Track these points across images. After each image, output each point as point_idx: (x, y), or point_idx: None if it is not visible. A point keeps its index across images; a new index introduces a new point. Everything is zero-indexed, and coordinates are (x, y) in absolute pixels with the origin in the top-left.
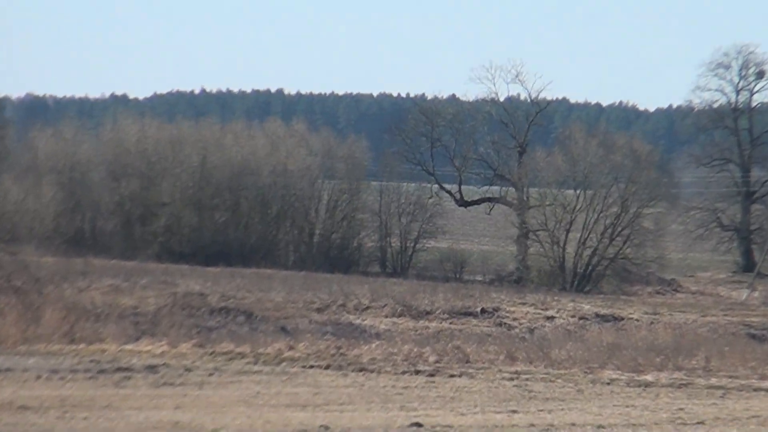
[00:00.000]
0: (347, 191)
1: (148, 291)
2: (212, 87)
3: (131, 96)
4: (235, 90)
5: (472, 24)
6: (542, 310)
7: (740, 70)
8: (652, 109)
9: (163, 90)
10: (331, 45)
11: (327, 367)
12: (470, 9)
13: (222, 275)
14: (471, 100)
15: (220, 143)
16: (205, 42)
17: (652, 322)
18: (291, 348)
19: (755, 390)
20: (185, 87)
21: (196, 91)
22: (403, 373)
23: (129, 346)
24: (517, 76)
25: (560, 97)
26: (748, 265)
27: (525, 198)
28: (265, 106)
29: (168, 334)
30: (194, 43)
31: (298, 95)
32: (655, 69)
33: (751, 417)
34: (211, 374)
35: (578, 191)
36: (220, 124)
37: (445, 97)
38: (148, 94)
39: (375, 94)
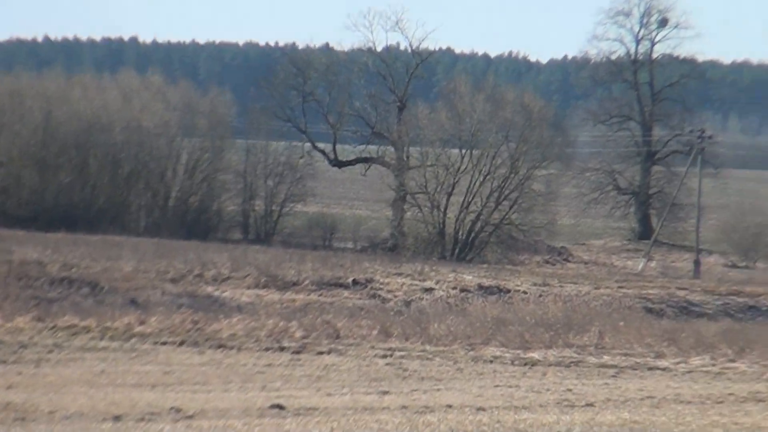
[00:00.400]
0: (209, 150)
1: None
2: (57, 35)
3: None
4: (83, 38)
5: None
6: (420, 281)
7: (642, 17)
8: (544, 61)
9: (1, 38)
10: None
11: (181, 344)
12: None
13: (64, 242)
14: (346, 50)
15: (66, 97)
16: None
17: (540, 295)
18: (141, 322)
19: (650, 369)
20: (26, 34)
21: (39, 39)
22: (266, 350)
23: None
24: (397, 23)
25: (444, 47)
26: (645, 233)
27: (404, 158)
28: (117, 55)
29: (1, 307)
30: None
31: (154, 44)
32: (549, 17)
33: (644, 398)
34: (50, 351)
35: (463, 151)
36: (66, 75)
37: (318, 46)
38: None
39: (240, 44)
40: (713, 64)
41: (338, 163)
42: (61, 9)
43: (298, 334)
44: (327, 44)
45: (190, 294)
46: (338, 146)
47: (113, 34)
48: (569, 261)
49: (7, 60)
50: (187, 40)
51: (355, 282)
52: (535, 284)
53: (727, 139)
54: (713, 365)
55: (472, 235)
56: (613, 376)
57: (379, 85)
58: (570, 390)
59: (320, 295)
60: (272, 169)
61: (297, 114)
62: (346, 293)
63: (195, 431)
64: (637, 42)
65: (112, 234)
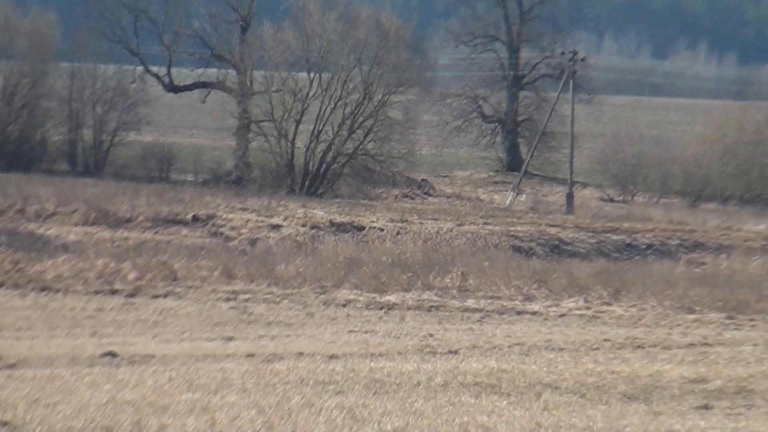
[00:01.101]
0: (29, 74)
1: None
2: None
3: None
4: None
5: None
6: (266, 217)
7: None
8: None
9: None
10: None
11: (1, 286)
12: None
13: None
14: None
15: None
16: None
17: (398, 233)
18: None
19: (519, 313)
20: None
21: None
22: (97, 293)
23: None
24: None
25: None
26: (514, 163)
27: (248, 83)
28: None
29: None
30: None
31: None
32: None
33: (513, 345)
34: None
35: (313, 74)
36: None
37: None
38: None
39: None
40: None
41: (174, 88)
42: None
43: (132, 275)
44: None
45: (10, 231)
46: (174, 70)
47: None
48: (430, 195)
49: None
50: None
51: (195, 218)
52: (392, 220)
53: (602, 61)
54: (587, 309)
55: (324, 166)
56: (479, 321)
57: (220, 2)
58: (431, 336)
59: (156, 233)
60: (101, 95)
61: (128, 34)
62: (185, 231)
63: (17, 382)
64: None
65: None
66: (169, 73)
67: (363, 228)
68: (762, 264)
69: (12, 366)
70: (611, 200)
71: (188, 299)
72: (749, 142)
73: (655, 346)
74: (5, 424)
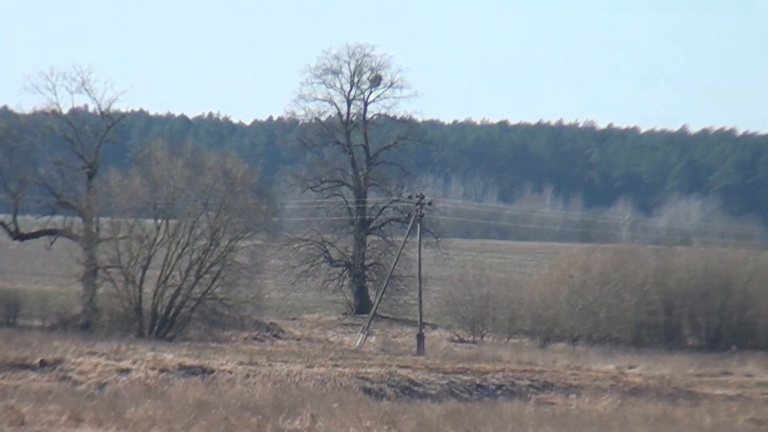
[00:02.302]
0: None
1: None
2: None
3: None
4: None
5: (30, 25)
6: (116, 360)
7: (352, 76)
8: (248, 122)
9: None
10: None
11: None
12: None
13: None
14: (28, 113)
15: None
16: None
17: (248, 375)
18: None
19: None
20: None
21: None
22: None
23: None
24: (83, 84)
25: (137, 109)
26: (363, 306)
27: (94, 229)
28: None
29: None
30: None
31: None
32: (251, 75)
33: None
34: None
35: (159, 221)
36: None
37: None
38: None
39: None
40: (433, 124)
41: (20, 236)
42: None
43: None
44: (5, 107)
45: None
46: (20, 217)
47: None
48: (279, 337)
49: None
50: None
51: (42, 363)
52: (241, 363)
53: (449, 204)
54: None
55: (173, 310)
56: None
57: (66, 150)
58: None
59: (3, 377)
60: None
61: None
62: (33, 375)
63: None
64: (349, 102)
65: None
66: (15, 221)
67: (213, 371)
68: (610, 404)
69: None
70: (461, 341)
71: None
72: (596, 283)
73: None
74: None
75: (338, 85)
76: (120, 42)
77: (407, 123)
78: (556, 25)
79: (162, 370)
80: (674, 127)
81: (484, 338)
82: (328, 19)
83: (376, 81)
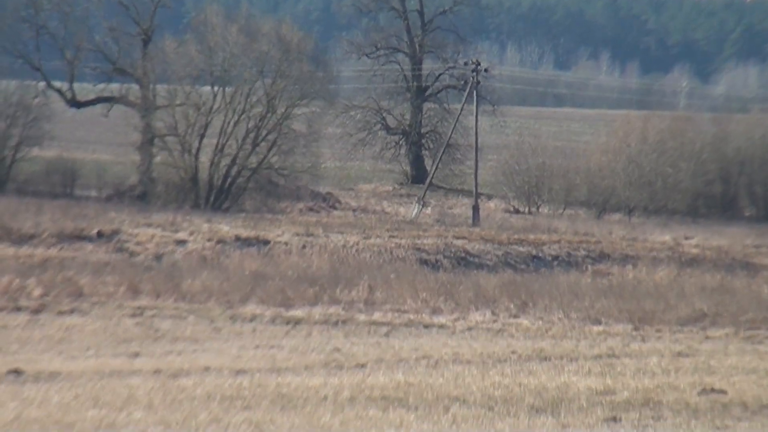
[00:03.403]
0: None
1: None
2: None
3: None
4: None
5: None
6: (172, 232)
7: None
8: None
9: None
10: None
11: None
12: None
13: None
14: None
15: None
16: None
17: (304, 246)
18: None
19: (426, 327)
20: None
21: None
22: (1, 310)
23: None
24: None
25: None
26: (419, 176)
27: (151, 97)
28: None
29: None
30: None
31: None
32: None
33: (420, 358)
34: None
35: (216, 88)
36: None
37: None
38: None
39: None
40: None
41: (77, 104)
42: None
43: (37, 292)
44: None
45: None
46: (77, 84)
47: None
48: (336, 208)
49: None
50: None
51: (99, 234)
52: (297, 234)
53: (505, 72)
54: (494, 321)
55: (229, 180)
56: (386, 334)
57: (121, 16)
58: (338, 350)
59: (61, 249)
60: (3, 111)
61: (29, 49)
62: (90, 247)
63: None
64: None
65: None
66: (71, 88)
67: (268, 242)
68: (667, 274)
69: None
70: (517, 212)
71: (94, 315)
72: (653, 151)
73: (562, 358)
74: None
75: None
76: None
77: None
78: None
79: (218, 242)
80: None
81: (540, 209)
82: None
83: None
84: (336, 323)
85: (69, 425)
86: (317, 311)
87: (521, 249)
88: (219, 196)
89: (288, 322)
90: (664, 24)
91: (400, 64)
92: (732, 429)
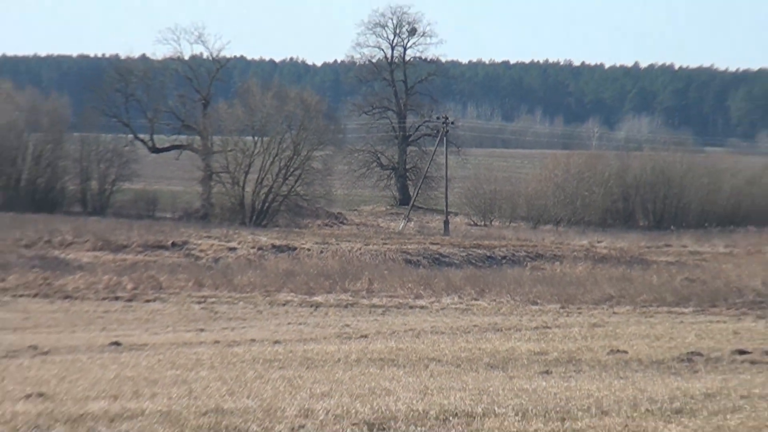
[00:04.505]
0: (51, 142)
1: None
2: None
3: None
4: None
5: None
6: (226, 242)
7: (395, 28)
8: (319, 64)
9: None
10: (31, 7)
11: (35, 296)
12: None
13: None
14: (160, 58)
15: None
16: None
17: (321, 251)
18: (2, 280)
19: (411, 308)
20: None
21: None
22: (104, 299)
23: None
24: (199, 37)
25: (239, 55)
26: (404, 199)
27: (209, 144)
28: None
29: None
30: None
31: (3, 57)
32: (320, 27)
33: (407, 330)
34: None
35: (256, 138)
36: None
37: (136, 57)
38: None
39: (74, 55)
40: (454, 64)
41: (156, 150)
42: None
43: (129, 286)
44: (144, 55)
45: (40, 257)
46: (155, 136)
47: None
48: (344, 223)
49: None
50: (30, 53)
51: (173, 244)
52: (317, 242)
53: (466, 123)
54: (461, 303)
55: (266, 204)
56: (382, 313)
57: (187, 87)
58: (347, 325)
59: (146, 255)
60: (103, 155)
61: (121, 111)
62: (166, 253)
63: (49, 364)
64: (392, 48)
65: None
66: (152, 139)
67: (296, 248)
68: (585, 268)
69: (46, 353)
70: (475, 224)
71: (170, 303)
72: (573, 180)
73: (509, 329)
74: (41, 395)
75: (385, 36)
76: (226, 3)
77: (435, 63)
78: None
79: (259, 249)
80: (629, 63)
81: (493, 222)
82: None
83: (412, 32)
84: (346, 306)
85: (154, 381)
86: (332, 297)
87: (479, 251)
88: (259, 216)
89: (311, 306)
90: (581, 87)
91: (390, 119)
92: (631, 378)
